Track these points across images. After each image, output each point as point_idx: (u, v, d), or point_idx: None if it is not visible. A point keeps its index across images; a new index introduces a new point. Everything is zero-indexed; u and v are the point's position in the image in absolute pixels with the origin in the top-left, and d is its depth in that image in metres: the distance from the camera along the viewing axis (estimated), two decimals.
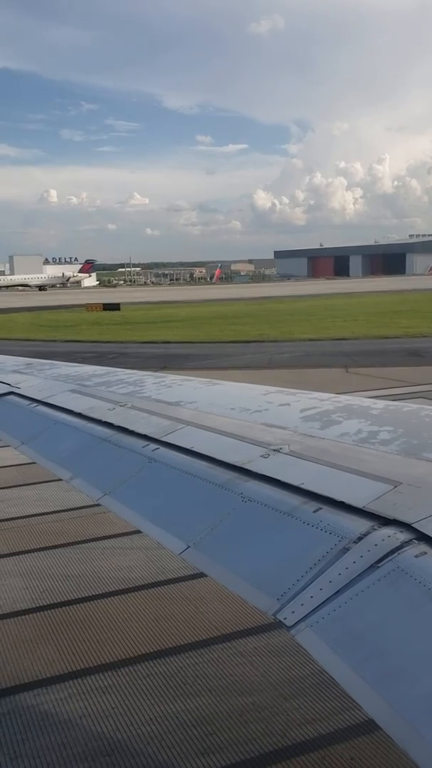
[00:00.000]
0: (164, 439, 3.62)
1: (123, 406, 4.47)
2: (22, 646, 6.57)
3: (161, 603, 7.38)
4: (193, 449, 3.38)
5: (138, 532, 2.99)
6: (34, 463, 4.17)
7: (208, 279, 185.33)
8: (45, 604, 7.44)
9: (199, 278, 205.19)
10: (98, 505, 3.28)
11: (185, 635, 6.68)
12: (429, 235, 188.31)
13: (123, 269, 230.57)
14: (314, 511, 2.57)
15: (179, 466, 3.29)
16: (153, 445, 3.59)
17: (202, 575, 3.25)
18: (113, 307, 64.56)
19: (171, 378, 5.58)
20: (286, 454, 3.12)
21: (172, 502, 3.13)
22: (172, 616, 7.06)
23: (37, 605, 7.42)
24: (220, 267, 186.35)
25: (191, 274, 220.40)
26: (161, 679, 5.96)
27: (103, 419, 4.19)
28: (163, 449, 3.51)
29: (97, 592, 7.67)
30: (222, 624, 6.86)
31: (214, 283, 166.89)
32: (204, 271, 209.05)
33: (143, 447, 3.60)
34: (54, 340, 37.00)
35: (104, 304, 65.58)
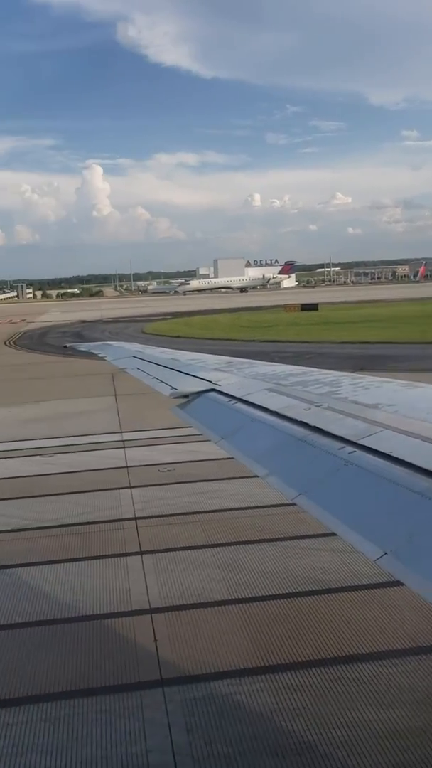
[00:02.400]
0: (361, 441, 3.53)
1: (319, 406, 4.44)
2: (218, 636, 6.81)
3: (354, 607, 7.25)
4: (391, 454, 3.26)
5: (332, 534, 2.95)
6: (232, 458, 4.30)
7: (411, 277, 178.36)
8: (241, 597, 7.65)
9: (401, 276, 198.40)
10: (293, 504, 3.30)
11: (378, 642, 6.50)
12: None
13: (322, 269, 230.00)
14: None
15: (376, 471, 3.19)
16: (349, 448, 3.52)
17: (397, 583, 3.13)
18: (311, 307, 64.68)
19: (369, 379, 5.44)
20: None
21: (368, 507, 3.05)
22: (364, 621, 6.90)
23: (233, 597, 7.64)
24: (425, 264, 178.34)
25: (393, 273, 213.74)
26: (353, 684, 5.86)
27: (299, 419, 4.19)
28: (359, 452, 3.42)
29: (290, 590, 7.73)
30: (418, 635, 6.58)
31: (417, 282, 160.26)
32: (407, 269, 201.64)
33: (339, 449, 3.55)
34: (253, 340, 37.92)
35: (302, 305, 65.96)
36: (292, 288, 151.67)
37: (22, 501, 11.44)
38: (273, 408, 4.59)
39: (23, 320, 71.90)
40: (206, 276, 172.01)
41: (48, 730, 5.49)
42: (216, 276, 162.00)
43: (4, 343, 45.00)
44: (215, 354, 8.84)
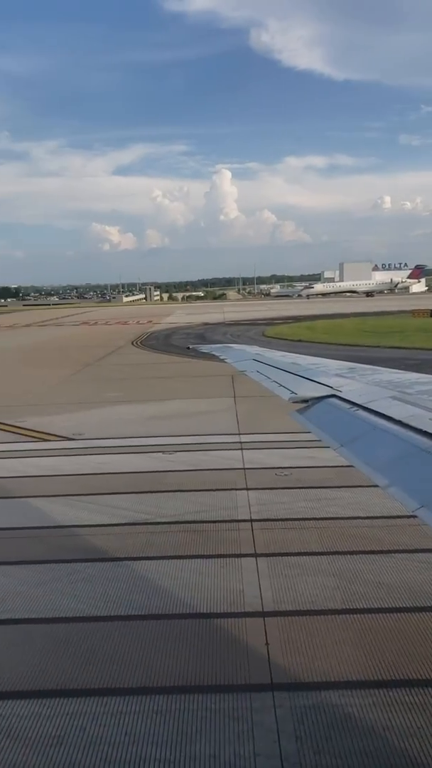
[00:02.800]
0: None
1: None
2: (331, 645, 6.69)
3: None
4: None
5: None
6: (351, 466, 4.21)
7: None
8: (356, 607, 7.48)
9: None
10: (414, 516, 3.18)
11: None
12: None
13: None
14: None
15: None
16: None
17: None
18: None
19: None
20: None
21: None
22: None
23: (348, 607, 7.49)
24: None
25: None
26: None
27: (425, 429, 4.03)
28: None
29: (408, 605, 7.46)
30: None
31: None
32: None
33: None
34: (377, 346, 36.97)
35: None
36: (422, 293, 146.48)
37: (142, 496, 11.81)
38: (397, 417, 4.45)
39: (150, 321, 74.27)
40: (331, 279, 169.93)
41: (159, 722, 5.62)
42: (341, 280, 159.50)
43: (132, 344, 46.68)
44: (337, 359, 8.69)
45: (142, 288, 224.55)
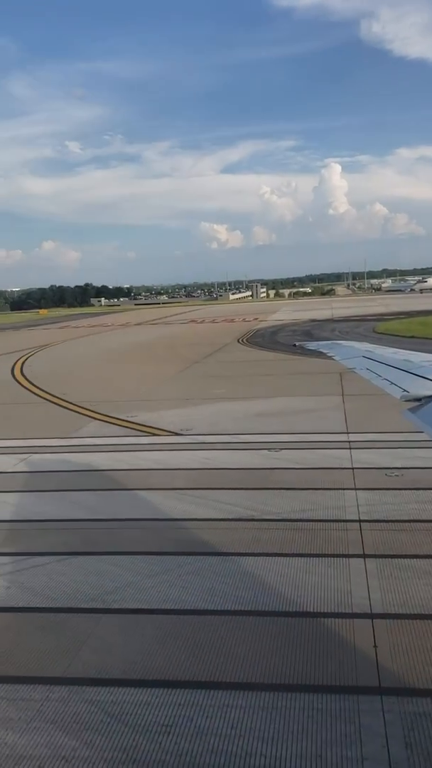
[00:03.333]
0: None
1: None
2: None
3: None
4: None
5: None
6: None
7: None
8: None
9: None
10: None
11: None
12: None
13: None
14: None
15: None
16: None
17: None
18: None
19: None
20: None
21: None
22: None
23: None
24: None
25: None
26: None
27: None
28: None
29: None
30: None
31: None
32: None
33: None
34: None
35: None
36: None
37: (248, 492, 11.87)
38: None
39: (256, 318, 74.42)
40: None
41: (265, 717, 5.65)
42: None
43: (238, 341, 46.99)
44: None
45: (249, 285, 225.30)
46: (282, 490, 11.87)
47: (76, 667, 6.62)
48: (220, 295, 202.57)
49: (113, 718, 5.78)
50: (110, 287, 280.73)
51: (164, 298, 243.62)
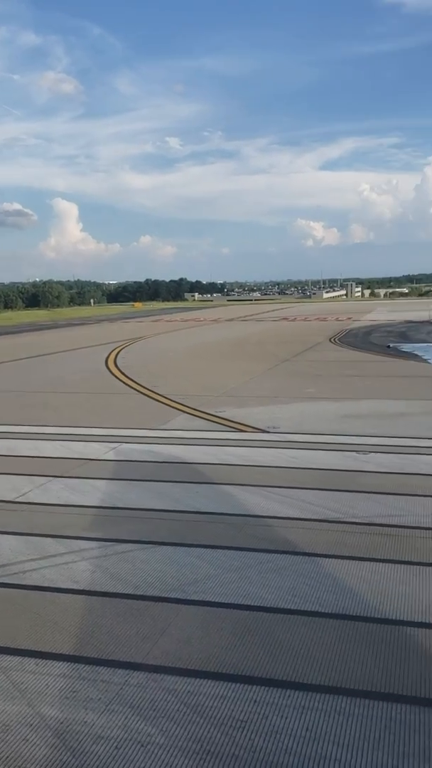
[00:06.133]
0: None
1: None
2: None
3: None
4: None
5: None
6: None
7: None
8: None
9: None
10: None
11: None
12: None
13: None
14: None
15: None
16: None
17: None
18: None
19: None
20: None
21: None
22: None
23: None
24: None
25: None
26: None
27: None
28: None
29: None
30: None
31: None
32: None
33: None
34: None
35: None
36: None
37: (334, 493, 11.70)
38: None
39: (349, 318, 73.19)
40: None
41: (341, 723, 5.55)
42: None
43: (330, 340, 46.36)
44: None
45: (343, 284, 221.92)
46: (369, 494, 11.62)
47: (156, 655, 6.73)
48: (314, 293, 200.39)
49: (189, 708, 5.84)
50: (204, 282, 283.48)
51: (257, 294, 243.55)
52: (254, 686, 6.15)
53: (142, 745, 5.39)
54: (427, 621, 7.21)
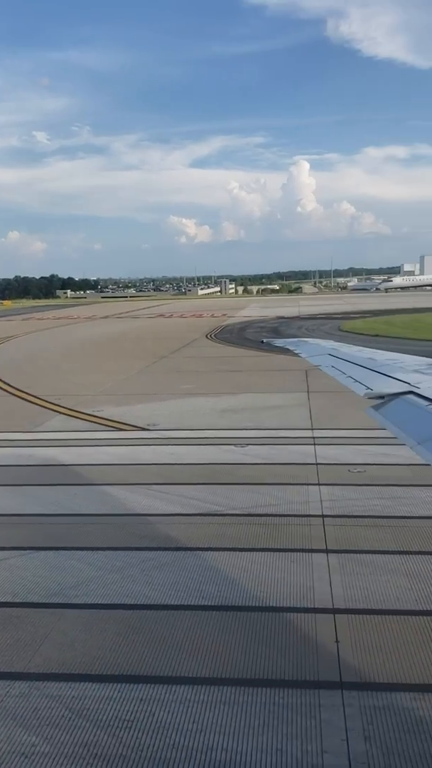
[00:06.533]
0: None
1: None
2: (403, 646, 6.56)
3: None
4: None
5: None
6: (428, 464, 4.10)
7: None
8: (429, 609, 7.30)
9: None
10: None
11: None
12: None
13: None
14: None
15: None
16: None
17: None
18: None
19: None
20: None
21: None
22: None
23: (422, 609, 7.32)
24: None
25: None
26: None
27: None
28: None
29: None
30: None
31: None
32: None
33: None
34: None
35: None
36: None
37: (214, 487, 11.88)
38: None
39: (224, 314, 74.47)
40: (411, 273, 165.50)
41: (226, 712, 5.67)
42: (422, 273, 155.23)
43: (206, 336, 46.97)
44: (417, 355, 8.47)
45: (218, 281, 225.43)
46: (247, 486, 11.91)
47: (37, 662, 6.55)
48: (189, 290, 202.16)
49: (74, 713, 5.74)
50: (77, 279, 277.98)
51: (132, 291, 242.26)
52: (140, 684, 6.14)
53: (26, 757, 5.23)
54: (304, 606, 7.50)
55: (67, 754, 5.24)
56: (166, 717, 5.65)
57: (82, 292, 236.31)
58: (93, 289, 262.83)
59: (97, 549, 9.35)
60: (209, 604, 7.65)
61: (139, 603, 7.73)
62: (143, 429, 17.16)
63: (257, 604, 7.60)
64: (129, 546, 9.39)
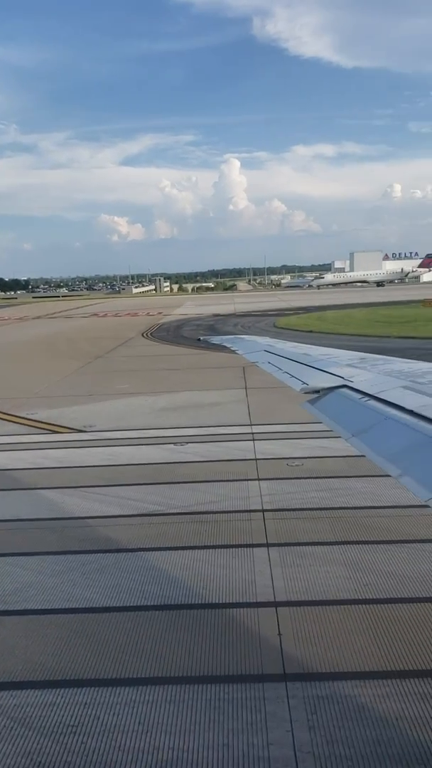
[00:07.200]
0: None
1: None
2: (344, 635, 6.70)
3: None
4: None
5: None
6: (362, 456, 4.20)
7: None
8: (368, 597, 7.48)
9: None
10: (426, 506, 3.16)
11: None
12: None
13: None
14: None
15: None
16: None
17: None
18: None
19: None
20: None
21: None
22: None
23: (361, 597, 7.49)
24: None
25: None
26: None
27: None
28: None
29: (421, 595, 7.45)
30: None
31: None
32: None
33: None
34: (388, 336, 36.81)
35: None
36: None
37: (154, 487, 11.84)
38: (409, 406, 4.43)
39: (160, 313, 74.25)
40: (341, 270, 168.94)
41: (172, 711, 5.66)
42: (352, 270, 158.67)
43: (142, 335, 46.72)
44: (349, 350, 8.66)
45: (152, 279, 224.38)
46: (187, 484, 11.92)
47: None
48: (123, 289, 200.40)
49: (16, 722, 5.62)
50: (6, 279, 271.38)
51: (64, 290, 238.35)
52: (84, 688, 6.06)
53: None
54: (247, 600, 7.56)
55: (10, 765, 5.12)
56: (111, 719, 5.60)
57: (12, 293, 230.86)
58: (24, 289, 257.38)
59: (36, 554, 9.18)
60: (152, 604, 7.62)
61: (80, 606, 7.63)
62: (80, 431, 16.93)
63: (200, 602, 7.62)
64: (69, 550, 9.25)
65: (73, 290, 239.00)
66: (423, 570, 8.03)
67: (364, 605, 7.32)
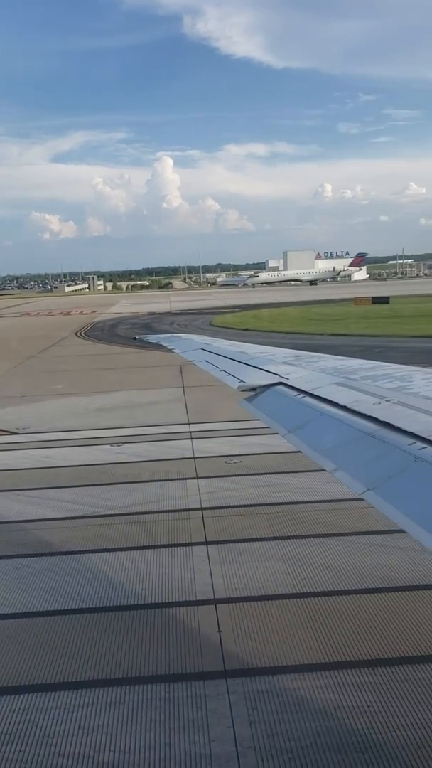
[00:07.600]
0: None
1: (389, 401, 4.34)
2: (282, 629, 6.79)
3: (423, 607, 7.09)
4: None
5: (400, 531, 2.87)
6: (299, 451, 4.26)
7: None
8: (306, 591, 7.60)
9: None
10: (360, 499, 3.24)
11: None
12: None
13: (394, 262, 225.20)
14: None
15: None
16: (420, 444, 3.43)
17: None
18: (382, 300, 63.54)
19: None
20: None
21: None
22: None
23: (298, 591, 7.60)
24: None
25: None
26: (421, 686, 5.73)
27: (368, 413, 4.11)
28: (431, 448, 3.33)
29: (357, 587, 7.62)
30: None
31: None
32: None
33: (409, 445, 3.46)
34: (322, 333, 37.50)
35: (373, 298, 64.82)
36: (363, 281, 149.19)
37: (90, 488, 11.70)
38: (342, 402, 4.52)
39: (94, 311, 73.37)
40: (275, 268, 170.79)
41: (112, 713, 5.61)
42: (285, 268, 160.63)
43: (76, 334, 46.06)
44: (284, 347, 8.77)
45: (85, 277, 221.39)
46: (125, 484, 11.83)
47: None
48: (56, 287, 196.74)
49: None
50: None
51: None
52: (20, 695, 5.93)
53: None
54: (186, 599, 7.56)
55: None
56: (49, 725, 5.50)
57: None
58: None
59: None
60: (89, 606, 7.53)
61: (16, 611, 7.47)
62: (12, 433, 16.57)
63: (139, 602, 7.57)
64: (3, 554, 9.04)
65: (3, 289, 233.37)
66: (358, 562, 8.22)
67: (302, 599, 7.43)
